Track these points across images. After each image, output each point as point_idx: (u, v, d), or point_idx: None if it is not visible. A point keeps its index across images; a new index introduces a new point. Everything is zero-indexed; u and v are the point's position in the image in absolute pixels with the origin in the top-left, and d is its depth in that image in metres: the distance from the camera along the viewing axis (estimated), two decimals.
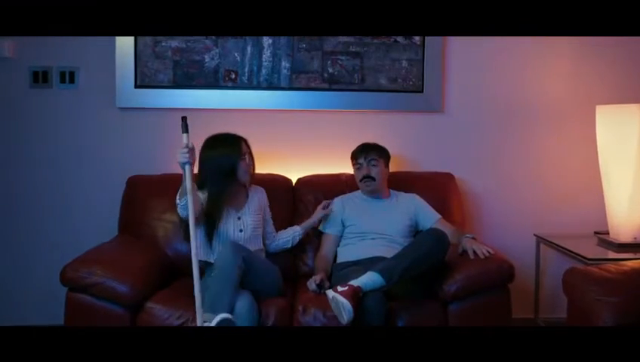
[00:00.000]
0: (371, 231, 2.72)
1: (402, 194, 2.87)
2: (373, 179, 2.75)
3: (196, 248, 2.15)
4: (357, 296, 2.21)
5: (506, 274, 2.41)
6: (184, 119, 2.23)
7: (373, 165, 2.75)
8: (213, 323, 2.10)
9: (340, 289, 2.22)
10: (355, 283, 2.24)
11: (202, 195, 2.50)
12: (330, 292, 2.24)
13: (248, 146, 2.62)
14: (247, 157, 2.58)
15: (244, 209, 2.62)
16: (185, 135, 2.21)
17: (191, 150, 2.21)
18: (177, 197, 2.39)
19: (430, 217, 2.78)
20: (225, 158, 2.52)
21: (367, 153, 2.77)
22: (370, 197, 2.81)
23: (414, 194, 2.86)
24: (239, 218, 2.58)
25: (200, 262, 2.41)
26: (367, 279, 2.27)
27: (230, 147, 2.55)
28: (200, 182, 2.54)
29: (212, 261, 2.47)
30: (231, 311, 2.20)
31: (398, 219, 2.76)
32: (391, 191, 2.87)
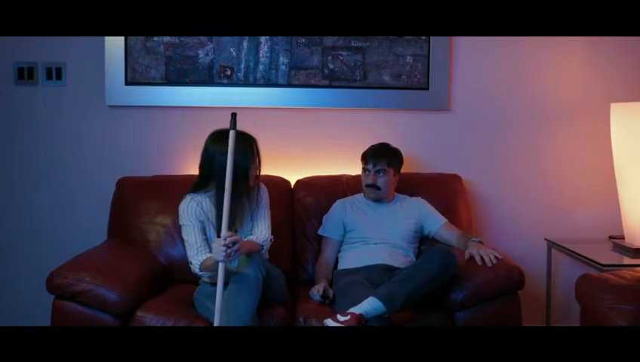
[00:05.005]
0: (374, 237, 2.72)
1: (407, 198, 2.87)
2: (379, 188, 2.76)
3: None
4: (360, 326, 2.19)
5: (515, 281, 2.41)
6: (233, 116, 2.21)
7: (381, 175, 2.75)
8: None
9: (341, 319, 2.17)
10: (356, 310, 2.21)
11: (204, 196, 2.44)
12: (330, 323, 2.19)
13: (258, 149, 2.46)
14: (257, 161, 2.44)
15: (239, 219, 2.48)
16: (232, 132, 2.19)
17: (231, 245, 2.16)
18: (194, 263, 2.37)
19: (436, 221, 2.79)
20: (238, 157, 2.29)
21: (377, 161, 2.75)
22: (374, 201, 2.82)
23: (419, 198, 2.87)
24: (236, 230, 2.46)
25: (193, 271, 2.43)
26: (369, 306, 2.23)
27: (244, 146, 2.37)
28: (203, 180, 2.44)
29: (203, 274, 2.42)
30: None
31: (402, 224, 2.77)
32: (396, 194, 2.87)
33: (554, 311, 3.17)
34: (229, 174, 2.17)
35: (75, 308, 2.33)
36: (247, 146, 2.40)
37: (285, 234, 2.84)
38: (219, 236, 2.27)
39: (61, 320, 2.34)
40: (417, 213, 2.81)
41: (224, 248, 2.16)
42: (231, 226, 2.32)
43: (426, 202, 2.85)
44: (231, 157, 2.19)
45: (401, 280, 2.33)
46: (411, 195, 2.89)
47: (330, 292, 2.54)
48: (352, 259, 2.69)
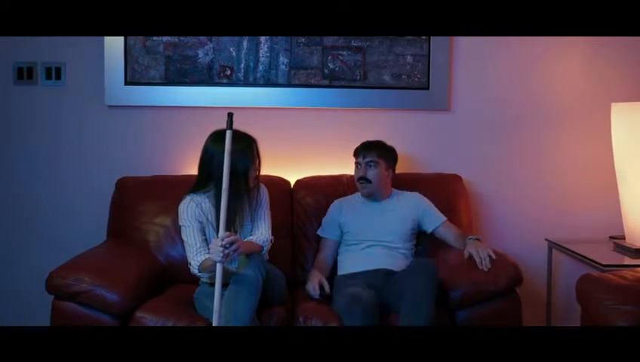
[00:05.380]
0: (370, 239, 2.70)
1: (404, 193, 2.85)
2: (370, 181, 2.73)
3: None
4: None
5: (513, 278, 2.41)
6: (230, 115, 2.21)
7: (372, 166, 2.73)
8: None
9: None
10: None
11: (204, 197, 2.44)
12: None
13: (258, 149, 2.46)
14: (257, 161, 2.45)
15: (239, 220, 2.48)
16: (228, 132, 2.19)
17: (229, 246, 2.16)
18: (193, 263, 2.37)
19: (435, 219, 2.78)
20: (238, 158, 2.30)
21: (367, 152, 2.74)
22: (369, 199, 2.80)
23: (417, 194, 2.85)
24: (236, 231, 2.46)
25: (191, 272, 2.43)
26: None
27: (244, 147, 2.38)
28: (203, 180, 2.43)
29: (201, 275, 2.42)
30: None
31: (398, 222, 2.75)
32: (393, 190, 2.85)
33: (554, 312, 3.18)
34: (227, 174, 2.17)
35: (75, 309, 2.33)
36: (247, 147, 2.40)
37: (285, 235, 2.84)
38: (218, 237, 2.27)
39: (61, 321, 2.34)
40: (415, 209, 2.78)
41: (222, 249, 2.16)
42: (230, 227, 2.32)
43: (424, 198, 2.83)
44: (228, 158, 2.18)
45: (415, 311, 2.26)
46: (410, 191, 2.86)
47: (326, 285, 2.54)
48: (350, 263, 2.68)
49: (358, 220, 2.76)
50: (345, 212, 2.80)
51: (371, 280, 2.53)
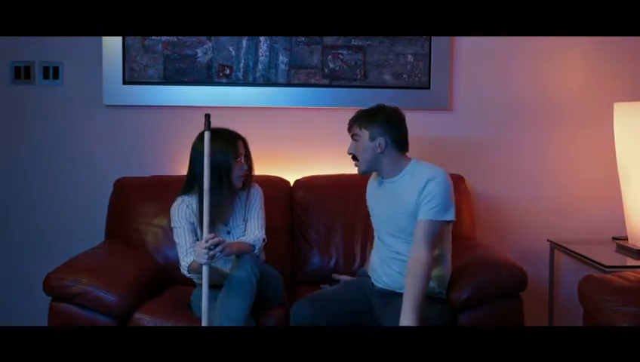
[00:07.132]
0: (382, 240, 2.40)
1: (423, 167, 2.31)
2: (357, 158, 2.38)
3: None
4: None
5: (518, 282, 2.42)
6: (207, 117, 2.20)
7: (356, 141, 2.36)
8: None
9: None
10: None
11: (194, 198, 2.44)
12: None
13: (247, 147, 2.46)
14: (242, 159, 2.42)
15: (232, 221, 2.49)
16: (206, 133, 2.18)
17: (214, 248, 2.16)
18: (183, 264, 2.37)
19: (422, 212, 2.23)
20: (218, 156, 2.28)
21: (351, 125, 2.38)
22: (379, 179, 2.42)
23: (436, 174, 2.26)
24: (229, 232, 2.47)
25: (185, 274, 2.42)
26: None
27: (225, 144, 2.36)
28: (190, 180, 2.44)
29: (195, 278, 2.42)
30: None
31: (399, 212, 2.30)
32: (410, 164, 2.35)
33: (556, 313, 3.18)
34: (207, 175, 2.17)
35: (73, 310, 2.33)
36: (229, 144, 2.38)
37: (284, 235, 2.85)
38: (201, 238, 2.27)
39: (58, 323, 2.34)
40: (418, 193, 2.23)
41: (206, 250, 2.15)
42: (212, 227, 2.28)
43: (441, 181, 2.24)
44: (207, 159, 2.17)
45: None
46: (433, 166, 2.35)
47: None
48: (372, 259, 2.50)
49: (373, 204, 2.46)
50: (369, 195, 2.51)
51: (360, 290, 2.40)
